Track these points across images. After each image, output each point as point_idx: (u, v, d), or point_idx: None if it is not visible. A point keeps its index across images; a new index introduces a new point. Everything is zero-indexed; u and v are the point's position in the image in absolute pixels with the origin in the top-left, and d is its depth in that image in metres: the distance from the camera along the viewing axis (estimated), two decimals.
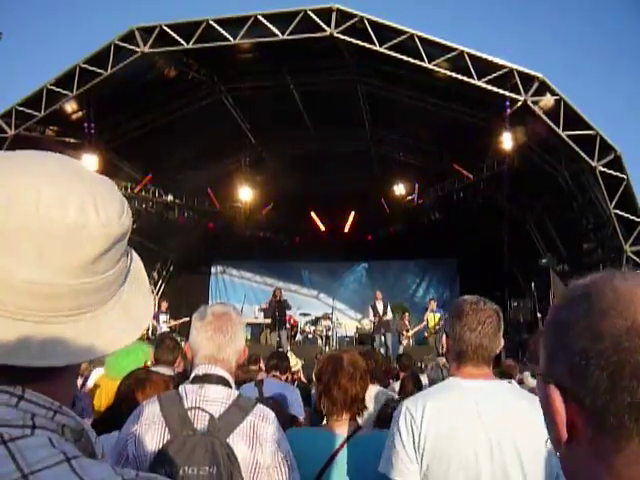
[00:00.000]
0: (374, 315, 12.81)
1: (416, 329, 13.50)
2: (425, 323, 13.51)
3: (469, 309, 1.77)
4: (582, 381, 0.55)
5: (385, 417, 2.97)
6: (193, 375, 1.72)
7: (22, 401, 0.58)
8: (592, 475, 0.55)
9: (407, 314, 14.01)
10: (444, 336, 1.87)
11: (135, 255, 0.74)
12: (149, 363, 3.80)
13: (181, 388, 1.68)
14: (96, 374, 4.10)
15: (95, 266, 0.60)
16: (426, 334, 13.47)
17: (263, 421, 1.62)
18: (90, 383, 4.04)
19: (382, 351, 12.30)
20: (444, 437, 1.62)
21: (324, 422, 2.22)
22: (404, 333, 13.47)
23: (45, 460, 0.54)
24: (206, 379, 1.67)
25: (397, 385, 4.99)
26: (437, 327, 13.14)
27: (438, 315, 13.40)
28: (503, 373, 4.84)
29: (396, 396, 4.16)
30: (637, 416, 0.52)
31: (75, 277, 0.59)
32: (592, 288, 0.59)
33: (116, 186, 0.67)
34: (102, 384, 3.46)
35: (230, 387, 1.70)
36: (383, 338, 12.68)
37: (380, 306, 12.83)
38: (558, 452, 0.60)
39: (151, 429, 1.58)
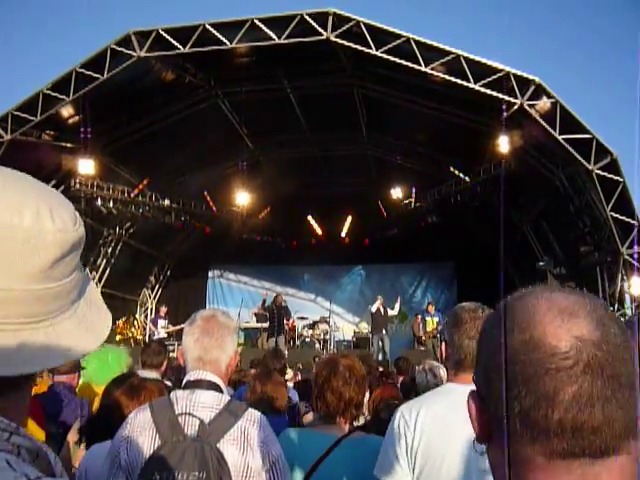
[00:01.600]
0: (377, 313, 12.78)
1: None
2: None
3: (468, 317, 1.77)
4: (489, 390, 0.62)
5: (381, 421, 2.95)
6: (185, 381, 1.73)
7: None
8: (503, 475, 0.59)
9: (419, 316, 13.96)
10: (443, 344, 1.87)
11: (90, 278, 0.74)
12: (127, 368, 3.85)
13: (172, 394, 1.68)
14: None
15: (52, 272, 0.60)
16: (425, 338, 13.43)
17: (254, 425, 1.62)
18: None
19: (380, 356, 12.27)
20: (437, 439, 1.63)
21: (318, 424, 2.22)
22: (423, 337, 13.39)
23: None
24: (197, 385, 1.68)
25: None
26: (435, 331, 13.11)
27: (436, 319, 13.38)
28: None
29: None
30: (527, 423, 0.56)
31: (32, 283, 0.59)
32: (508, 302, 0.63)
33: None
34: (88, 392, 3.50)
35: (221, 392, 1.69)
36: (380, 343, 12.62)
37: (382, 309, 12.81)
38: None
39: (142, 435, 1.58)
